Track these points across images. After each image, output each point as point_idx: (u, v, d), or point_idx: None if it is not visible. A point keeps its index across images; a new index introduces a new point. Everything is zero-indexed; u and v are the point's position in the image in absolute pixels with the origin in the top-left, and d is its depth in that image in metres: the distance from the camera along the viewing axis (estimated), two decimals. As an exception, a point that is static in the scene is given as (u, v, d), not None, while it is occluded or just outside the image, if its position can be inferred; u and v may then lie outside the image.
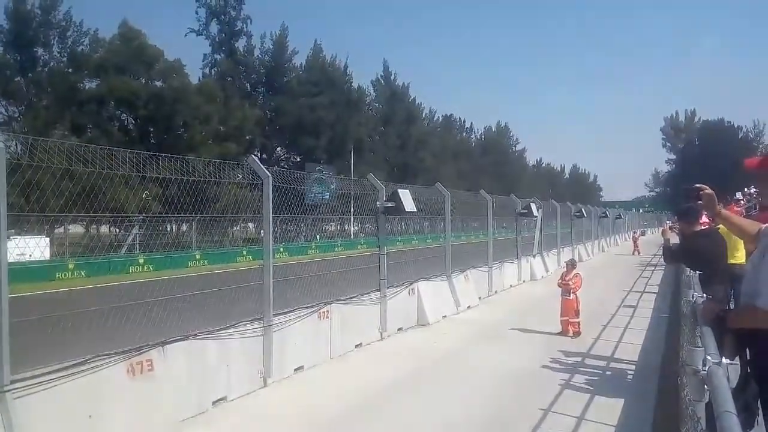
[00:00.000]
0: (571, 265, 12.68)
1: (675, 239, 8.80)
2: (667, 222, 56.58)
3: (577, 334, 11.59)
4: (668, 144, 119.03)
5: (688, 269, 7.80)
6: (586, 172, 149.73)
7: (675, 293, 15.67)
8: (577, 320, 11.76)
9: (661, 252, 10.50)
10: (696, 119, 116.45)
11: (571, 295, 11.91)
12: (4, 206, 5.00)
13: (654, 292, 18.23)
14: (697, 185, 3.90)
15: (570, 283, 11.99)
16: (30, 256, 17.37)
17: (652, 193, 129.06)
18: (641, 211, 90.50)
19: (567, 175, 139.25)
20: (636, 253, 36.55)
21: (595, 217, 37.94)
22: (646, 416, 6.82)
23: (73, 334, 6.92)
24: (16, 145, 6.81)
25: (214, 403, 7.15)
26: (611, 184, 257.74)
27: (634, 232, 47.10)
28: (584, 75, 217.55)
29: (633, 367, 9.22)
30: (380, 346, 10.86)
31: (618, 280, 21.36)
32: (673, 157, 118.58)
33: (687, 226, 7.37)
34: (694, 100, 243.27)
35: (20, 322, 5.30)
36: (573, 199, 47.16)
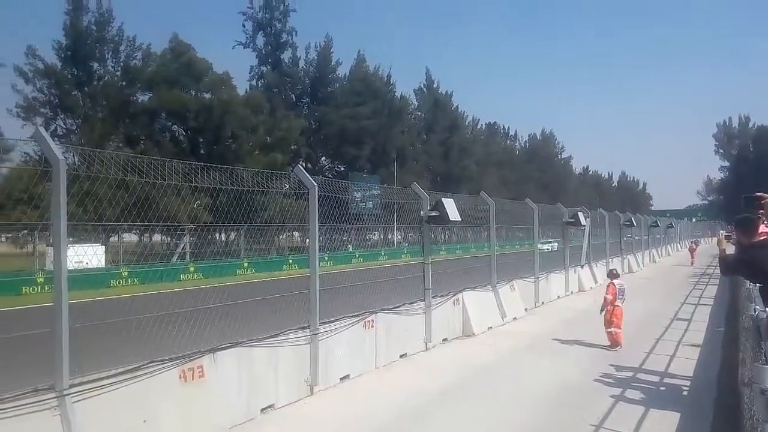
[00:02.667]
0: (610, 275, 12.45)
1: (731, 249, 8.48)
2: (721, 232, 54.68)
3: (611, 346, 11.35)
4: (721, 150, 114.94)
5: (748, 282, 7.50)
6: (635, 179, 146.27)
7: (731, 307, 15.09)
8: (609, 330, 11.50)
9: (715, 263, 10.15)
10: (750, 125, 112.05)
11: (607, 306, 11.68)
12: (65, 216, 5.19)
13: (709, 305, 17.58)
14: (759, 194, 3.77)
15: (606, 294, 11.72)
16: (87, 263, 18.03)
17: (704, 202, 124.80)
18: (693, 220, 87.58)
19: (615, 183, 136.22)
20: (691, 263, 35.40)
21: (645, 226, 36.91)
22: (703, 434, 6.58)
23: (127, 340, 7.14)
24: (73, 156, 7.10)
25: (262, 410, 7.24)
26: (661, 192, 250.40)
27: (692, 242, 45.51)
28: (633, 80, 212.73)
29: (688, 382, 8.90)
30: (425, 356, 10.80)
31: (671, 292, 20.70)
32: (726, 164, 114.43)
33: (745, 236, 7.08)
34: (748, 105, 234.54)
35: (78, 328, 5.49)
36: (621, 207, 46.11)
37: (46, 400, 4.95)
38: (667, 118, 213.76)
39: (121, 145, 39.28)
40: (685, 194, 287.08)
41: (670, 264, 36.85)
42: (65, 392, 5.05)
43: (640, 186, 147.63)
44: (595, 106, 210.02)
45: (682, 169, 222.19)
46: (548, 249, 32.31)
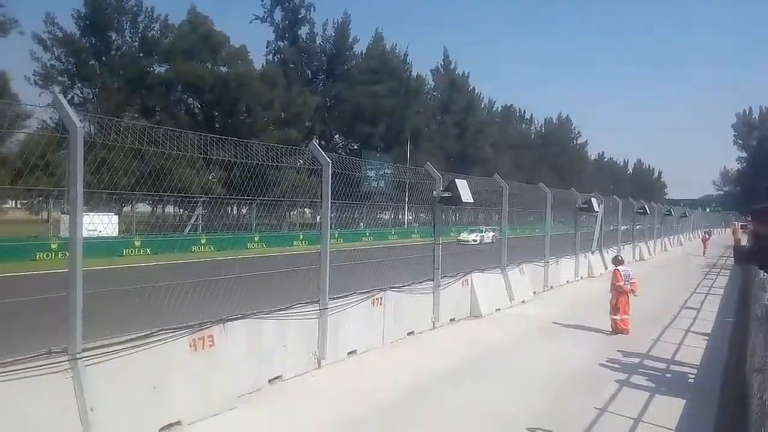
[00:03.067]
0: (615, 261, 12.49)
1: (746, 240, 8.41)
2: (735, 222, 54.04)
3: (612, 332, 11.40)
4: (740, 141, 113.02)
5: (762, 272, 7.45)
6: (651, 167, 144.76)
7: (742, 296, 15.01)
8: (615, 317, 11.51)
9: (727, 254, 10.09)
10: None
11: (611, 291, 11.72)
12: (81, 182, 5.23)
13: (719, 295, 17.49)
14: None
15: (617, 282, 11.72)
16: (100, 232, 18.22)
17: (719, 192, 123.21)
18: (708, 210, 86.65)
19: (630, 171, 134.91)
20: (703, 253, 35.17)
21: (658, 214, 36.61)
22: (708, 421, 6.59)
23: (139, 308, 7.24)
24: (89, 125, 7.14)
25: (270, 381, 7.36)
26: (676, 181, 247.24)
27: (705, 232, 45.12)
28: (652, 68, 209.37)
29: (694, 370, 8.90)
30: (432, 335, 10.87)
31: (681, 281, 20.61)
32: (744, 155, 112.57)
33: (761, 226, 7.02)
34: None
35: (91, 295, 5.57)
36: (636, 195, 45.69)
37: (59, 362, 5.05)
38: (685, 107, 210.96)
39: (136, 115, 39.44)
40: (700, 184, 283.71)
41: (682, 253, 36.61)
42: (78, 356, 5.15)
43: (656, 174, 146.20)
44: (613, 92, 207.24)
45: (698, 158, 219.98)
46: (475, 240, 31.04)
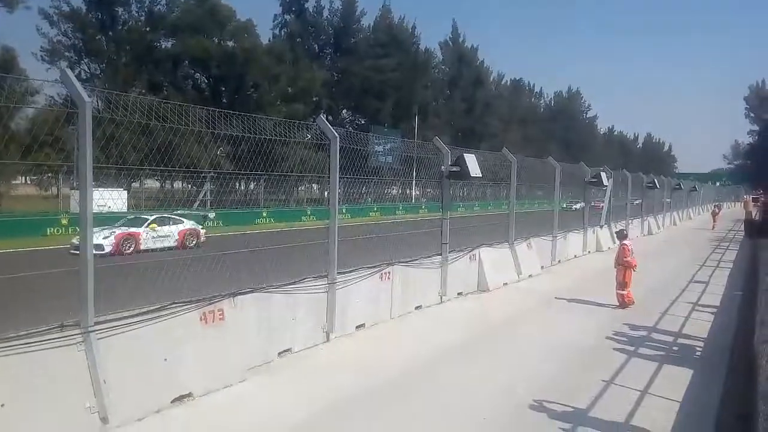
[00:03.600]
0: (620, 235, 12.46)
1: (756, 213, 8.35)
2: (746, 195, 53.48)
3: (619, 306, 11.42)
4: (752, 114, 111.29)
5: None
6: (661, 141, 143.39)
7: (751, 270, 14.98)
8: (620, 292, 11.52)
9: (736, 227, 10.03)
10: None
11: (617, 266, 11.73)
12: (90, 157, 5.25)
13: (728, 269, 17.45)
14: None
15: (626, 258, 11.68)
16: (109, 207, 18.30)
17: (730, 166, 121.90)
18: (718, 184, 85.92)
19: (640, 144, 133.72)
20: (712, 227, 35.01)
21: (668, 188, 36.35)
22: (714, 394, 6.63)
23: (150, 281, 7.30)
24: (97, 100, 7.13)
25: (279, 353, 7.46)
26: (687, 154, 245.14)
27: (715, 206, 44.80)
28: (663, 40, 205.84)
29: (702, 343, 8.93)
30: (440, 309, 10.94)
31: (690, 255, 20.54)
32: (756, 128, 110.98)
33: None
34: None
35: (102, 269, 5.63)
36: (645, 169, 45.29)
37: (71, 335, 5.13)
38: (697, 80, 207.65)
39: (144, 91, 39.32)
40: (710, 158, 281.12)
41: (691, 227, 36.44)
42: (90, 329, 5.23)
43: (666, 148, 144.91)
44: (623, 65, 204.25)
45: (709, 132, 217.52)
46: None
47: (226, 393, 6.21)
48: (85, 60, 42.90)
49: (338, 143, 8.25)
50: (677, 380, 7.07)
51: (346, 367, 7.36)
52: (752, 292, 11.14)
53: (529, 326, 10.02)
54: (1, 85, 5.71)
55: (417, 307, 10.55)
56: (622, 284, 11.54)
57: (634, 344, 8.73)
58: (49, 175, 29.48)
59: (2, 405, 4.55)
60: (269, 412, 5.87)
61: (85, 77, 41.70)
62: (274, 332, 7.39)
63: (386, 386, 6.77)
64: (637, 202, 28.71)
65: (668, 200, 36.29)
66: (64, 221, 22.72)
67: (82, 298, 5.22)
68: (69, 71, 5.46)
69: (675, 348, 8.72)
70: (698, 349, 8.68)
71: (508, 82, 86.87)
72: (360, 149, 9.72)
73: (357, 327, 8.92)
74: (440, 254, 11.34)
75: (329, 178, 8.42)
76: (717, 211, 40.60)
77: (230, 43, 44.86)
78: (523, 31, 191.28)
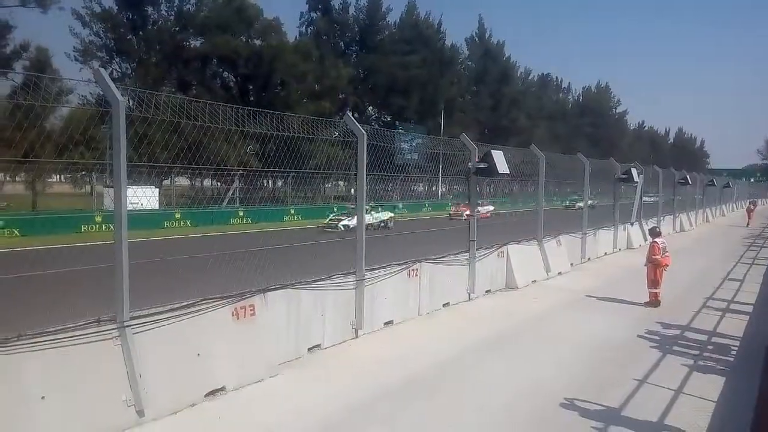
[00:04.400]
0: (652, 233, 12.25)
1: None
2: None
3: (648, 304, 11.21)
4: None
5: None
6: (692, 137, 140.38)
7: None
8: (651, 290, 11.31)
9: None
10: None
11: (647, 264, 11.53)
12: (124, 155, 5.36)
13: (764, 266, 17.03)
14: None
15: (654, 255, 11.47)
16: (141, 205, 18.67)
17: (765, 161, 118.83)
18: (752, 180, 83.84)
19: (671, 140, 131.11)
20: (747, 224, 34.23)
21: (700, 185, 35.61)
22: (750, 394, 6.48)
23: (182, 278, 7.42)
24: (129, 100, 7.26)
25: (309, 349, 7.53)
26: (719, 150, 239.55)
27: (750, 202, 43.76)
28: (697, 34, 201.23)
29: (737, 343, 8.74)
30: (468, 306, 10.90)
31: (723, 252, 20.12)
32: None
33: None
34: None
35: (136, 265, 5.74)
36: (677, 165, 44.45)
37: (107, 330, 5.25)
38: (730, 74, 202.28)
39: (173, 90, 39.90)
40: (744, 153, 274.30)
41: (725, 224, 35.65)
42: (126, 324, 5.34)
43: (698, 143, 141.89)
44: (655, 59, 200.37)
45: (742, 127, 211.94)
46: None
47: (258, 387, 6.29)
48: (116, 59, 43.64)
49: (366, 140, 8.27)
50: (712, 380, 6.93)
51: (375, 363, 7.38)
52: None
53: (559, 324, 9.92)
54: (38, 84, 5.83)
55: (445, 304, 10.53)
56: (653, 282, 11.35)
57: (667, 343, 8.58)
58: (83, 173, 30.12)
59: (43, 397, 4.68)
60: (300, 407, 5.92)
61: (116, 76, 42.44)
62: (303, 328, 7.46)
63: (415, 382, 6.78)
64: (666, 198, 28.20)
65: (700, 196, 35.57)
66: (98, 218, 23.22)
67: (118, 293, 5.33)
68: (102, 70, 5.58)
69: (709, 347, 8.55)
70: (733, 348, 8.50)
71: (536, 78, 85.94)
72: (386, 146, 9.74)
73: (385, 324, 8.95)
74: (468, 251, 11.29)
75: (356, 175, 8.44)
76: (752, 207, 39.65)
77: (257, 42, 45.24)
78: (552, 25, 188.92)
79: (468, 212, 11.62)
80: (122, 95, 5.40)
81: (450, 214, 28.77)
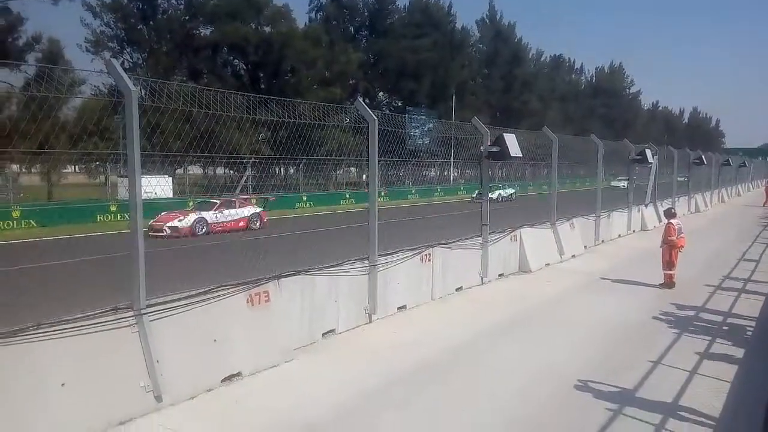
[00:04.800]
0: (668, 214, 12.15)
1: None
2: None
3: (663, 285, 11.14)
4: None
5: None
6: (707, 116, 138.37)
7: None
8: (666, 272, 11.23)
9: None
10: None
11: (662, 245, 11.45)
12: (138, 147, 5.39)
13: (780, 247, 16.85)
14: None
15: (670, 237, 11.37)
16: (155, 194, 18.83)
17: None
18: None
19: (686, 120, 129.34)
20: (764, 203, 33.84)
21: (715, 164, 35.16)
22: (766, 375, 6.46)
23: (197, 265, 7.50)
24: (141, 89, 7.30)
25: (323, 334, 7.59)
26: (735, 129, 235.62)
27: (767, 182, 43.18)
28: (709, 10, 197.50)
29: (752, 323, 8.68)
30: (481, 290, 10.91)
31: (739, 233, 19.93)
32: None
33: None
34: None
35: (152, 253, 5.80)
36: (692, 145, 43.95)
37: (125, 317, 5.32)
38: (745, 53, 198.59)
39: (185, 79, 40.01)
40: (760, 133, 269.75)
41: (741, 204, 35.24)
42: (143, 311, 5.41)
43: (713, 123, 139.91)
44: (669, 39, 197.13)
45: (758, 106, 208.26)
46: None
47: (274, 372, 6.37)
48: (128, 49, 43.81)
49: (377, 126, 8.25)
50: (727, 362, 6.90)
51: (389, 348, 7.43)
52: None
53: (573, 306, 9.91)
54: (51, 76, 5.87)
55: (458, 289, 10.55)
56: (669, 264, 11.28)
57: (681, 324, 8.55)
58: (97, 163, 30.39)
59: (63, 384, 4.77)
60: (315, 391, 5.99)
61: (127, 66, 42.59)
62: (317, 313, 7.52)
63: (429, 366, 6.82)
64: (680, 179, 27.92)
65: (716, 177, 35.18)
66: (113, 208, 23.46)
67: (135, 281, 5.40)
68: (115, 61, 5.60)
69: (725, 328, 8.50)
70: (749, 329, 8.45)
71: (548, 59, 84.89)
72: (398, 131, 9.71)
73: (399, 308, 8.99)
74: (480, 235, 11.28)
75: (368, 161, 8.43)
76: (771, 186, 39.22)
77: (267, 29, 45.14)
78: (564, 5, 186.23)
79: None
80: (134, 85, 5.42)
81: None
